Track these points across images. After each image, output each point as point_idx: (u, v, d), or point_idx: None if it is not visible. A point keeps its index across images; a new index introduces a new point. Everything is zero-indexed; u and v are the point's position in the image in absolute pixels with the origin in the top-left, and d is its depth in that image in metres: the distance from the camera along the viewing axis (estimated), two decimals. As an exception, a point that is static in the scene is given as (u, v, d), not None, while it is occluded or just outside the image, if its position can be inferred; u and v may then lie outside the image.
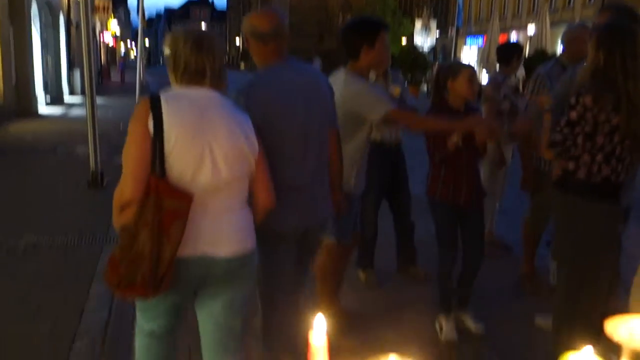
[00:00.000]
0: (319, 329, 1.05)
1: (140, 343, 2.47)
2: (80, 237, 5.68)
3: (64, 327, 3.88)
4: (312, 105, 2.76)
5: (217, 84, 2.26)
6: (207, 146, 2.14)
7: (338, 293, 3.91)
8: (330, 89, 2.97)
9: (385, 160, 4.33)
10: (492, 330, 3.81)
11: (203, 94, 2.22)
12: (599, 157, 2.80)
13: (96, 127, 7.75)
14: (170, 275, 2.10)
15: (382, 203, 4.60)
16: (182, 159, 2.11)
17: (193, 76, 2.20)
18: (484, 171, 5.09)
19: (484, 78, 20.80)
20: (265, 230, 2.51)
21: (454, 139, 3.38)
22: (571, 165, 2.89)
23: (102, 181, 7.66)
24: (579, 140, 2.82)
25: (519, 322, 3.97)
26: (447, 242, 3.69)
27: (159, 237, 2.04)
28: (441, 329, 3.74)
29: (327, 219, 3.02)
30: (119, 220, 2.15)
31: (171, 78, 2.25)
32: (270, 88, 2.68)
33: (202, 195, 2.15)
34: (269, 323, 2.95)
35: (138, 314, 2.45)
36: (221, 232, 2.23)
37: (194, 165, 2.13)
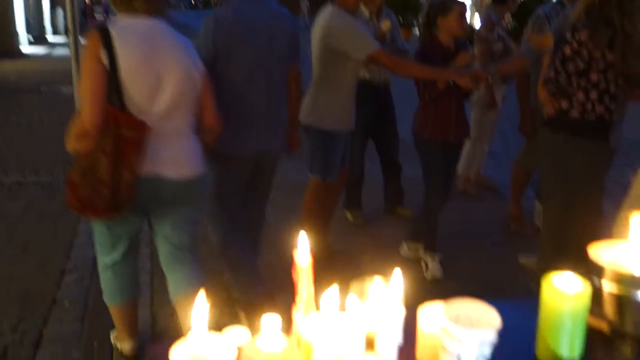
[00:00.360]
0: (303, 249, 1.05)
1: (104, 277, 2.64)
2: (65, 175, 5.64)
3: (52, 263, 3.89)
4: (275, 42, 2.91)
5: (153, 9, 2.30)
6: (159, 74, 2.26)
7: (326, 232, 3.93)
8: (295, 30, 3.11)
9: (372, 100, 4.26)
10: (477, 269, 3.88)
11: (150, 24, 2.30)
12: (593, 95, 2.77)
13: (80, 66, 7.54)
14: (131, 198, 2.27)
15: (369, 144, 4.57)
16: (137, 89, 2.23)
17: (125, 2, 2.27)
18: (474, 113, 5.05)
19: (476, 21, 20.38)
20: (220, 153, 2.78)
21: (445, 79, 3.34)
22: (565, 104, 2.86)
23: (88, 121, 7.51)
24: (573, 78, 2.79)
25: (504, 261, 4.04)
26: (437, 181, 3.69)
27: (119, 164, 2.18)
28: (427, 267, 3.79)
29: (280, 152, 3.18)
30: (75, 145, 2.25)
31: (113, 8, 2.35)
32: (238, 19, 2.85)
33: (157, 121, 2.29)
34: (227, 255, 3.15)
35: (98, 249, 2.60)
36: (171, 155, 2.37)
37: (148, 94, 2.25)
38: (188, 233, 2.59)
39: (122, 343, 2.83)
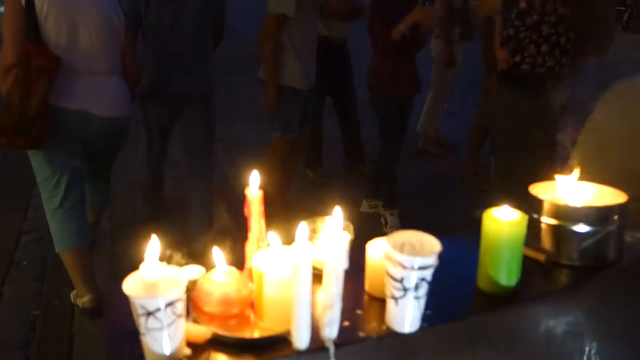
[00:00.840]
0: (253, 184, 1.07)
1: (52, 222, 2.79)
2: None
3: (8, 224, 3.83)
4: None
5: None
6: (75, 19, 2.52)
7: (286, 190, 3.96)
8: None
9: (330, 56, 4.25)
10: (435, 222, 3.98)
11: None
12: (544, 48, 2.84)
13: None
14: (42, 124, 2.47)
15: (327, 102, 4.57)
16: (55, 29, 2.49)
17: None
18: (433, 70, 5.10)
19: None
20: (148, 94, 3.20)
21: (401, 27, 3.36)
22: (517, 57, 2.93)
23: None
24: (526, 32, 2.85)
25: (461, 214, 4.15)
26: (392, 135, 3.75)
27: (27, 90, 2.40)
28: (386, 222, 3.88)
29: (206, 93, 3.37)
30: (4, 84, 2.45)
31: None
32: None
33: (80, 61, 2.57)
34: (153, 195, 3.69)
35: (42, 195, 2.76)
36: (98, 94, 2.65)
37: (66, 35, 2.52)
38: (108, 165, 3.05)
39: (82, 299, 2.87)
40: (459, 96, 6.10)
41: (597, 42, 3.20)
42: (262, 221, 1.07)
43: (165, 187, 3.80)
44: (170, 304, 0.86)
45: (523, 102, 3.01)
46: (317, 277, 0.98)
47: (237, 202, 1.17)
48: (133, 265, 0.93)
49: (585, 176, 1.36)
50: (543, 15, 2.77)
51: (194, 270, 1.07)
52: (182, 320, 0.90)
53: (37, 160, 2.66)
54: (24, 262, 3.43)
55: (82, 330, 2.84)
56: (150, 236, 0.91)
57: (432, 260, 0.96)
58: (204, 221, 3.45)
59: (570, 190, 1.29)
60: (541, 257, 1.24)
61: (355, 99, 4.65)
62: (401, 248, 0.99)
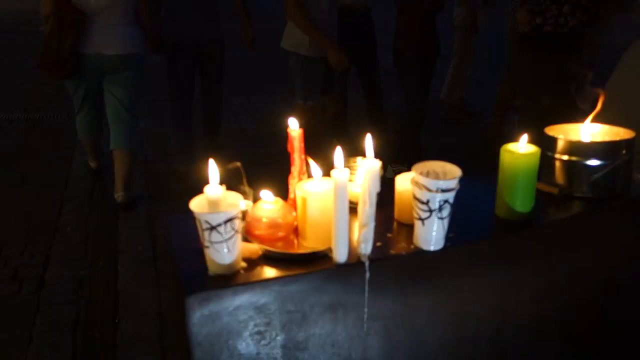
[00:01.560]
0: (293, 124, 1.21)
1: (77, 121, 3.95)
2: (54, 113, 5.70)
3: (51, 194, 4.04)
4: None
5: None
6: None
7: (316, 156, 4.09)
8: None
9: (353, 25, 4.32)
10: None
11: None
12: (566, 9, 2.90)
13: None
14: (71, 63, 3.45)
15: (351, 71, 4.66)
16: None
17: None
18: (456, 38, 5.15)
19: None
20: (165, 42, 3.90)
21: None
22: (539, 19, 2.99)
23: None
24: None
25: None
26: (419, 100, 3.86)
27: (61, 37, 3.36)
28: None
29: (218, 39, 4.10)
30: (46, 27, 3.42)
31: None
32: None
33: (98, 14, 3.42)
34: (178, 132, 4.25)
35: (74, 106, 3.84)
36: (111, 39, 3.50)
37: None
38: (128, 92, 3.68)
39: (90, 162, 4.31)
40: (482, 64, 6.13)
41: (618, 2, 3.25)
42: (303, 156, 1.21)
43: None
44: (229, 220, 1.01)
45: (547, 63, 3.08)
46: (353, 210, 1.12)
47: (264, 166, 1.31)
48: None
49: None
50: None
51: (242, 202, 1.22)
52: (239, 236, 1.06)
53: (69, 85, 3.72)
54: (68, 228, 3.64)
55: (125, 288, 3.04)
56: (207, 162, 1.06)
57: (453, 183, 1.09)
58: (212, 125, 4.31)
59: (582, 130, 1.40)
60: (555, 190, 1.36)
61: (378, 68, 4.73)
62: (426, 174, 1.13)
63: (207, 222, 1.01)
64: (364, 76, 4.77)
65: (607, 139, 1.38)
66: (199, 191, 1.05)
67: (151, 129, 5.27)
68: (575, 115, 3.22)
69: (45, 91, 6.50)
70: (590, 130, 1.41)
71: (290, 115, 4.00)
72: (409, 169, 3.78)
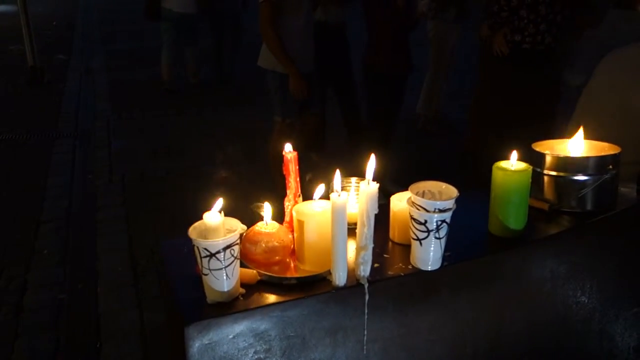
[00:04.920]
0: (288, 148, 1.21)
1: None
2: (28, 134, 5.60)
3: (27, 215, 3.95)
4: None
5: None
6: None
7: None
8: None
9: (329, 41, 4.34)
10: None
11: None
12: (543, 27, 2.97)
13: (29, 22, 7.35)
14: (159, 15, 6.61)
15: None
16: None
17: None
18: (431, 50, 5.21)
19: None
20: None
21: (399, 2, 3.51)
22: (517, 37, 3.06)
23: (43, 78, 7.39)
24: (523, 12, 2.97)
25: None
26: (388, 114, 3.89)
27: None
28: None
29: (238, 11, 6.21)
30: None
31: None
32: None
33: None
34: None
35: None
36: None
37: None
38: (194, 41, 6.97)
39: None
40: (457, 76, 6.21)
41: (590, 15, 3.35)
42: (298, 179, 1.21)
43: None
44: (229, 247, 1.00)
45: (525, 79, 3.15)
46: (350, 230, 1.12)
47: (242, 185, 1.32)
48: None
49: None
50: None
51: (237, 226, 1.21)
52: (238, 262, 1.04)
53: (162, 25, 6.30)
54: (45, 251, 3.56)
55: (107, 310, 2.98)
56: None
57: (450, 203, 1.10)
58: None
59: (568, 146, 1.43)
60: (545, 206, 1.37)
61: (354, 83, 4.76)
62: (423, 195, 1.13)
63: (206, 250, 0.99)
64: (340, 91, 4.79)
65: (593, 154, 1.40)
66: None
67: (127, 148, 5.22)
68: (552, 129, 3.31)
69: (19, 112, 6.40)
70: (576, 146, 1.44)
71: (268, 132, 3.96)
72: (382, 189, 3.79)
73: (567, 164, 1.35)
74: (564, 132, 2.56)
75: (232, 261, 1.02)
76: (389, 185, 4.01)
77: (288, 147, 1.22)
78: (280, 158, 1.22)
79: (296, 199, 1.20)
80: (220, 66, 7.41)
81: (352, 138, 4.99)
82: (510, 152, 1.30)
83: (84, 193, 4.35)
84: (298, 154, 4.04)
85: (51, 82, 7.39)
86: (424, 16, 4.27)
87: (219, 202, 1.03)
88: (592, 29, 3.51)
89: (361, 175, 1.10)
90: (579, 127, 2.52)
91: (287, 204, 1.20)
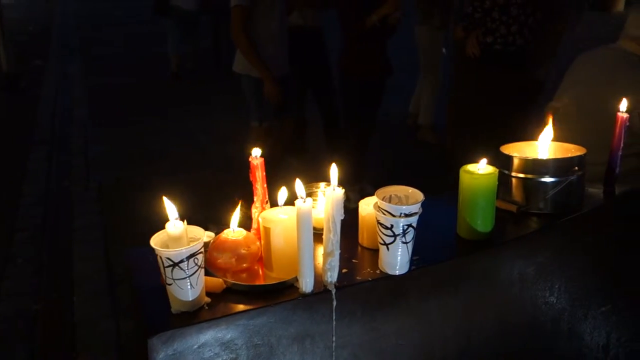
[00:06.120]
0: (255, 153, 1.20)
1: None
2: (2, 140, 5.51)
3: (1, 223, 3.89)
4: None
5: None
6: None
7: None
8: None
9: (306, 45, 4.34)
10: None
11: None
12: (514, 28, 3.01)
13: (4, 27, 7.25)
14: None
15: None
16: None
17: None
18: (420, 57, 5.22)
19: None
20: None
21: (373, 18, 3.49)
22: (489, 39, 3.09)
23: (18, 84, 7.29)
24: (495, 13, 3.00)
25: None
26: (363, 118, 3.89)
27: None
28: (348, 199, 4.02)
29: None
30: None
31: None
32: None
33: None
34: None
35: None
36: None
37: None
38: None
39: None
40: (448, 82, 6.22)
41: (564, 20, 3.39)
42: (265, 185, 1.20)
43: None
44: (192, 256, 0.99)
45: (498, 80, 3.17)
46: (317, 236, 1.12)
47: (223, 191, 1.31)
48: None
49: (558, 140, 1.52)
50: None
51: (201, 235, 1.20)
52: (203, 271, 1.03)
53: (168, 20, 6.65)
54: (20, 260, 3.50)
55: (83, 320, 2.93)
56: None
57: (416, 208, 1.10)
58: None
59: (536, 148, 1.44)
60: (513, 208, 1.38)
61: (333, 87, 4.76)
62: (389, 199, 1.13)
63: (169, 259, 0.98)
64: (319, 95, 4.79)
65: (559, 155, 1.42)
66: (157, 218, 1.02)
67: (105, 154, 5.16)
68: (525, 130, 3.34)
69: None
70: (543, 148, 1.45)
71: (246, 137, 3.95)
72: (360, 191, 3.81)
73: (534, 166, 1.37)
74: (537, 132, 2.60)
75: (196, 270, 1.01)
76: (368, 188, 4.02)
77: (255, 153, 1.21)
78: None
79: (264, 205, 1.19)
80: (218, 59, 8.09)
81: (330, 142, 4.99)
82: (483, 153, 1.31)
83: (60, 201, 4.30)
84: (276, 159, 4.00)
85: (27, 88, 7.29)
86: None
87: (173, 211, 1.01)
88: (568, 31, 3.57)
89: (339, 179, 1.10)
90: (550, 127, 2.56)
91: (255, 210, 1.20)
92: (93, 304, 3.03)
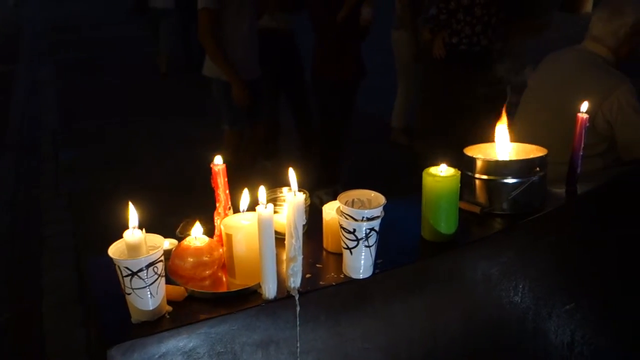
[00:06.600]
0: (217, 160, 1.19)
1: None
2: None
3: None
4: None
5: None
6: None
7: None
8: None
9: (278, 48, 4.33)
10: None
11: None
12: (478, 28, 3.04)
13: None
14: None
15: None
16: None
17: None
18: (397, 62, 5.24)
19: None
20: None
21: (343, 13, 3.50)
22: (454, 39, 3.12)
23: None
24: (460, 15, 3.04)
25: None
26: (336, 120, 3.90)
27: None
28: (321, 202, 4.02)
29: None
30: None
31: None
32: None
33: None
34: None
35: None
36: None
37: None
38: None
39: None
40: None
41: (531, 20, 3.45)
42: (227, 191, 1.19)
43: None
44: (151, 264, 0.98)
45: (464, 80, 3.21)
46: (280, 241, 1.11)
47: (194, 196, 1.30)
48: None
49: (523, 140, 1.54)
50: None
51: (165, 242, 1.19)
52: (163, 279, 1.02)
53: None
54: None
55: (52, 330, 2.88)
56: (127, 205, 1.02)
57: (378, 211, 1.10)
58: None
59: (498, 149, 1.46)
60: (476, 209, 1.40)
61: (305, 90, 4.76)
62: (352, 204, 1.13)
63: (127, 269, 0.96)
64: (292, 98, 4.78)
65: (521, 157, 1.44)
66: (126, 226, 1.00)
67: (75, 160, 5.08)
68: (492, 130, 3.38)
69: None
70: (505, 149, 1.47)
71: (218, 141, 3.90)
72: (334, 193, 3.83)
73: (496, 168, 1.38)
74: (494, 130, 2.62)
75: (156, 279, 0.99)
76: (341, 190, 4.02)
77: (217, 160, 1.20)
78: (228, 166, 1.20)
79: (226, 212, 1.18)
80: (189, 58, 8.03)
81: (304, 145, 4.99)
82: (450, 154, 1.32)
83: (29, 208, 4.22)
84: (248, 162, 3.97)
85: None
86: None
87: (133, 218, 1.00)
88: (537, 31, 3.62)
89: (313, 182, 1.10)
90: (517, 127, 2.59)
91: (217, 217, 1.19)
92: (63, 313, 2.98)
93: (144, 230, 1.01)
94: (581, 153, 1.53)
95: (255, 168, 4.25)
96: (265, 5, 3.97)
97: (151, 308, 1.00)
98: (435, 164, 1.29)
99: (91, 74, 8.32)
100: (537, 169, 1.39)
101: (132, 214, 1.01)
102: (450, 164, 1.30)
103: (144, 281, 0.98)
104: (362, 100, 4.15)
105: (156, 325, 1.00)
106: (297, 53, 4.61)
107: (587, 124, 1.52)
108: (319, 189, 4.16)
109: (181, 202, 3.69)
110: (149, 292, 0.99)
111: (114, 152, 5.26)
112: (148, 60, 8.56)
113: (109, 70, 8.57)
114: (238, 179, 3.78)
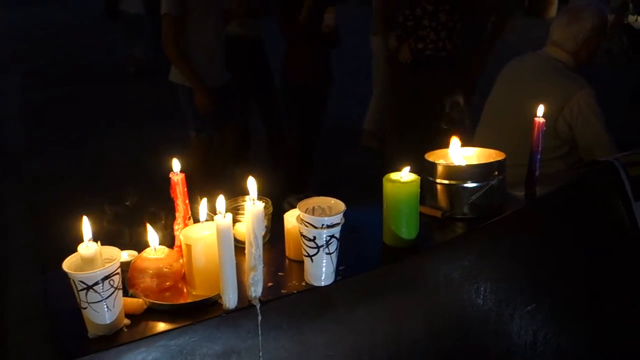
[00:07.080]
0: (175, 168, 1.18)
1: None
2: None
3: None
4: None
5: None
6: None
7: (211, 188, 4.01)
8: None
9: (248, 54, 4.33)
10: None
11: None
12: (443, 34, 3.09)
13: None
14: None
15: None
16: None
17: None
18: (374, 66, 5.27)
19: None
20: None
21: (303, 15, 3.54)
22: (420, 45, 3.17)
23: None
24: (425, 21, 3.08)
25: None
26: (304, 126, 3.90)
27: None
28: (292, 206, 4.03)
29: None
30: None
31: None
32: None
33: None
34: None
35: None
36: None
37: None
38: None
39: None
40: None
41: (498, 25, 3.52)
42: (187, 201, 1.18)
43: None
44: (107, 277, 0.96)
45: (431, 85, 3.25)
46: (241, 250, 1.11)
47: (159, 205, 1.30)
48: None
49: (487, 144, 1.57)
50: (438, 5, 3.02)
51: (124, 253, 1.17)
52: (120, 292, 1.00)
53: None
54: None
55: (16, 345, 2.81)
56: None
57: (338, 218, 1.11)
58: None
59: (458, 154, 1.48)
60: (438, 213, 1.41)
61: (275, 97, 4.75)
62: (312, 211, 1.13)
63: (82, 282, 0.95)
64: (262, 105, 4.77)
65: (481, 161, 1.46)
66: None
67: (39, 173, 4.97)
68: (457, 129, 3.44)
69: None
70: (465, 154, 1.49)
71: (184, 148, 3.86)
72: (291, 191, 3.81)
73: (456, 173, 1.40)
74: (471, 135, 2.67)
75: (113, 292, 0.98)
76: (313, 196, 4.02)
77: (176, 167, 1.19)
78: (196, 174, 1.19)
79: (186, 222, 1.17)
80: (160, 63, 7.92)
81: (273, 151, 4.98)
82: (415, 158, 1.33)
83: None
84: (216, 170, 3.94)
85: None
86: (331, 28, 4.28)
87: (87, 231, 0.99)
88: (501, 35, 3.69)
89: (282, 189, 1.10)
90: (481, 130, 2.63)
91: (177, 227, 1.17)
92: (26, 329, 2.91)
93: (99, 242, 0.99)
94: (539, 156, 1.56)
95: (224, 175, 4.22)
96: (232, 12, 3.96)
97: (108, 322, 0.99)
98: (400, 169, 1.31)
99: (54, 81, 8.17)
100: (496, 172, 1.41)
101: (86, 227, 0.99)
102: (415, 168, 1.31)
103: (100, 295, 0.96)
104: (335, 105, 4.17)
105: (113, 339, 0.99)
106: (265, 60, 4.60)
107: (544, 128, 1.56)
108: (290, 195, 4.15)
109: (143, 210, 3.64)
110: (105, 306, 0.98)
111: (80, 162, 5.17)
112: (116, 67, 8.45)
113: (75, 77, 8.43)
114: (206, 186, 3.79)
